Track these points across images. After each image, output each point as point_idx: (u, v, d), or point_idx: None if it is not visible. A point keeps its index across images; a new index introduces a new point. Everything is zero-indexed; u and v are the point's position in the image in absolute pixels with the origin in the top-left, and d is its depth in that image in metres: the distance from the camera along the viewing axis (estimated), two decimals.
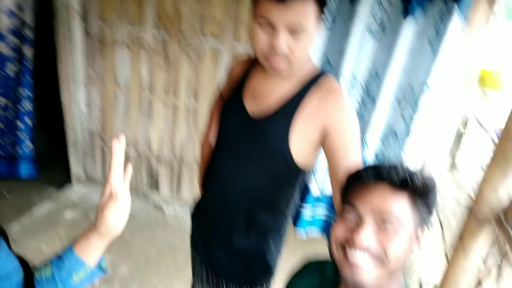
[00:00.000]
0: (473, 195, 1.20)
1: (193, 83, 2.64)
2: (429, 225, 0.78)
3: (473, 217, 1.19)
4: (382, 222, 0.72)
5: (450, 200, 5.01)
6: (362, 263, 0.73)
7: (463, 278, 1.22)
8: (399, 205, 0.72)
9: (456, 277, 1.23)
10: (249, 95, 1.14)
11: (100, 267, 0.81)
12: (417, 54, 2.05)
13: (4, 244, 0.73)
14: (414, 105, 2.09)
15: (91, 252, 0.77)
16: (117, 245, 2.54)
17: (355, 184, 0.79)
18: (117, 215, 0.76)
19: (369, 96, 2.21)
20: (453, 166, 6.15)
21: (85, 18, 2.60)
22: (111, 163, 0.76)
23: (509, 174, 1.12)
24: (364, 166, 0.80)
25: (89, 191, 3.12)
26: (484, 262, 1.24)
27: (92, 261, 0.77)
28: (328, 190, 2.44)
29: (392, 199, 0.72)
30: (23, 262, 0.77)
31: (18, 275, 0.73)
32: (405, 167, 0.75)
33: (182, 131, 2.80)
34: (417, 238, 0.76)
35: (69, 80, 2.77)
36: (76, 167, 3.07)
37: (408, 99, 2.12)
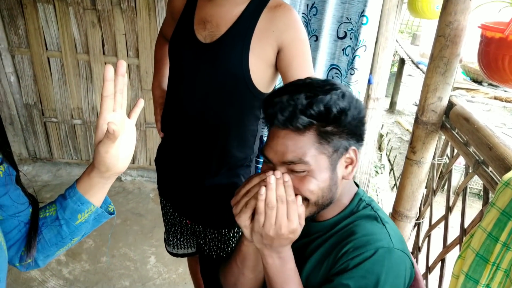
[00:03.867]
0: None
1: (132, 39, 2.49)
2: (360, 141, 0.77)
3: (420, 126, 1.25)
4: (292, 170, 0.72)
5: (395, 139, 5.31)
6: None
7: (417, 183, 1.30)
8: (304, 150, 0.71)
9: (411, 185, 1.31)
10: (198, 24, 1.09)
11: (106, 208, 0.76)
12: None
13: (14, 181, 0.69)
14: (355, 39, 2.11)
15: (95, 191, 0.70)
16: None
17: (268, 124, 0.78)
18: (116, 153, 0.65)
19: (311, 35, 2.20)
20: (392, 106, 6.48)
21: None
22: (102, 91, 0.63)
23: (448, 78, 1.17)
24: (266, 109, 0.76)
25: (36, 170, 2.94)
26: (435, 167, 1.33)
27: (97, 200, 0.71)
28: None
29: (296, 146, 0.72)
30: (31, 199, 0.73)
31: (26, 211, 0.70)
32: (304, 104, 0.70)
33: (127, 93, 2.66)
34: (349, 160, 0.77)
35: None
36: (17, 146, 2.86)
37: (348, 33, 2.13)
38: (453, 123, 1.15)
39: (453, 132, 1.16)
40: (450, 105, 1.20)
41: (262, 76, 1.09)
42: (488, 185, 0.94)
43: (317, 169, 0.72)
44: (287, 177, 0.70)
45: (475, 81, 3.99)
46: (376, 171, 3.58)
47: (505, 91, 3.79)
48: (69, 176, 2.93)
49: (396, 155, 4.59)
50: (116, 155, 0.65)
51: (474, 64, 3.85)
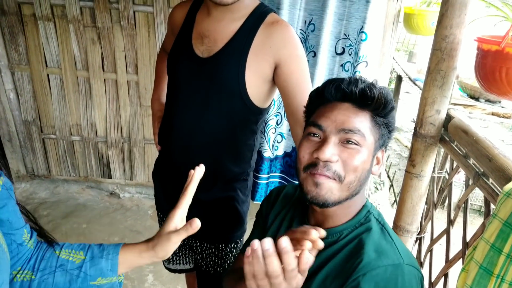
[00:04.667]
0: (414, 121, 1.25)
1: (131, 55, 2.51)
2: (386, 148, 0.83)
3: (419, 139, 1.25)
4: (345, 141, 0.75)
5: (393, 156, 5.31)
6: (324, 180, 0.75)
7: (417, 197, 1.29)
8: (361, 125, 0.76)
9: (411, 198, 1.30)
10: (196, 39, 1.10)
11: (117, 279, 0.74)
12: (350, 2, 2.08)
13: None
14: (355, 55, 2.13)
15: (130, 266, 0.72)
16: (75, 237, 2.43)
17: (319, 104, 0.82)
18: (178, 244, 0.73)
19: (309, 51, 2.23)
20: None
21: None
22: (185, 188, 0.77)
23: (446, 91, 1.18)
24: (326, 83, 0.82)
25: (33, 187, 2.92)
26: (435, 180, 1.32)
27: (120, 272, 0.72)
28: (280, 151, 2.46)
29: (355, 117, 0.76)
30: (31, 221, 0.71)
31: (21, 231, 0.67)
32: (374, 85, 0.78)
33: (126, 109, 2.68)
34: (377, 159, 0.81)
35: None
36: (14, 163, 2.85)
37: (347, 49, 2.16)
38: (451, 136, 1.15)
39: (452, 144, 1.16)
40: (448, 118, 1.19)
41: (258, 91, 1.09)
42: (489, 197, 0.93)
43: (366, 147, 0.76)
44: (284, 243, 0.62)
45: (472, 97, 4.03)
46: (376, 187, 3.56)
47: (502, 107, 3.82)
48: (67, 193, 2.90)
49: (395, 172, 4.57)
50: (176, 246, 0.73)
51: (471, 81, 3.88)
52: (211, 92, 1.07)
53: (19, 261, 0.67)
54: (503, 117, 3.37)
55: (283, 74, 1.06)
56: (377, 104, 0.77)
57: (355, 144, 0.75)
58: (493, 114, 3.50)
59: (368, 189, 2.36)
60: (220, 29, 1.07)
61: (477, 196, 3.36)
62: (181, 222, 0.74)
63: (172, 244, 0.71)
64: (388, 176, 4.45)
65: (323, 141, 0.77)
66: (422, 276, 0.77)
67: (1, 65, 2.54)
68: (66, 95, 2.63)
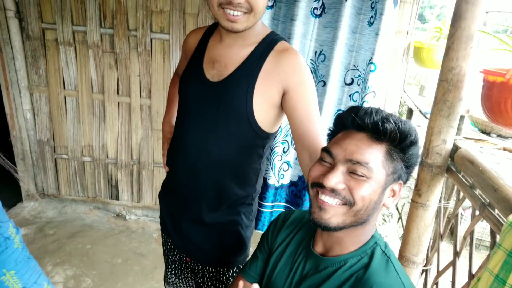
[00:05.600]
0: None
1: (145, 80, 2.59)
2: (406, 181, 0.82)
3: (425, 168, 1.25)
4: (353, 171, 0.76)
5: (403, 188, 5.25)
6: (327, 203, 0.77)
7: (423, 227, 1.27)
8: (372, 157, 0.75)
9: (417, 228, 1.28)
10: (207, 63, 1.14)
11: None
12: (360, 35, 2.13)
13: None
14: (363, 85, 2.17)
15: None
16: (79, 257, 2.42)
17: (340, 130, 0.84)
18: None
19: (319, 80, 2.27)
20: None
21: (23, 19, 2.48)
22: None
23: (452, 121, 1.19)
24: (348, 110, 0.83)
25: (42, 207, 2.95)
26: (442, 211, 1.30)
27: None
28: (286, 180, 2.46)
29: (366, 150, 0.76)
30: None
31: (8, 223, 0.64)
32: (389, 119, 0.76)
33: (138, 132, 2.73)
34: (393, 191, 0.80)
35: (11, 87, 2.62)
36: (26, 181, 2.90)
37: (356, 80, 2.20)
38: (458, 166, 1.15)
39: (459, 175, 1.16)
40: (455, 148, 1.20)
41: (266, 116, 1.11)
42: (494, 227, 0.91)
43: (375, 180, 0.75)
44: None
45: (483, 132, 3.99)
46: (384, 220, 3.50)
47: None
48: (74, 213, 2.92)
49: (404, 204, 4.50)
50: None
51: (482, 115, 3.87)
52: (219, 115, 1.10)
53: (8, 260, 0.65)
54: None
55: (291, 101, 1.07)
56: (391, 138, 0.76)
57: (362, 175, 0.75)
58: (504, 149, 3.45)
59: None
60: (231, 54, 1.11)
61: (487, 231, 3.27)
62: None
63: None
64: (397, 208, 4.38)
65: (331, 168, 0.78)
66: None
67: (21, 87, 2.64)
68: (81, 116, 2.71)
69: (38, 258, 2.36)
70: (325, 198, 0.78)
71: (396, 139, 0.76)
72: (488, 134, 3.99)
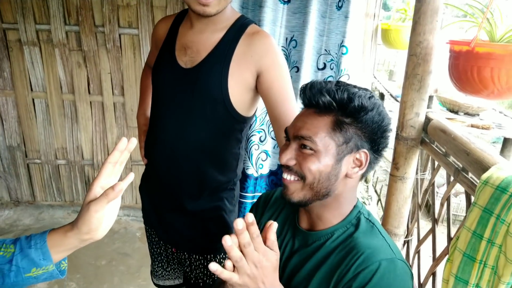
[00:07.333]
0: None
1: (117, 77, 2.54)
2: (376, 150, 0.80)
3: (401, 142, 1.28)
4: (302, 146, 0.79)
5: (380, 171, 5.38)
6: (287, 179, 0.82)
7: (402, 199, 1.31)
8: (317, 130, 0.77)
9: (397, 201, 1.32)
10: (179, 50, 1.13)
11: (59, 265, 0.70)
12: (329, 19, 2.16)
13: None
14: (337, 69, 2.20)
15: (62, 251, 0.67)
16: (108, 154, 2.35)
17: None
18: (102, 217, 0.65)
19: (292, 66, 2.28)
20: None
21: None
22: (109, 154, 0.68)
23: (423, 94, 1.23)
24: (301, 88, 0.84)
25: (17, 214, 2.85)
26: (419, 182, 1.35)
27: (57, 259, 0.67)
28: (265, 170, 2.47)
29: (312, 124, 0.78)
30: None
31: None
32: (323, 91, 0.77)
33: (113, 131, 2.68)
34: (358, 161, 0.80)
35: None
36: None
37: (328, 64, 2.22)
38: (431, 137, 1.19)
39: (432, 145, 1.20)
40: (428, 120, 1.24)
41: (241, 99, 1.11)
42: (469, 190, 0.95)
43: (323, 152, 0.76)
44: (250, 218, 0.67)
45: (451, 111, 4.14)
46: (364, 202, 3.59)
47: (481, 119, 3.92)
48: (52, 218, 2.84)
49: (382, 186, 4.62)
50: (101, 219, 0.65)
51: (449, 95, 4.00)
52: (194, 102, 1.09)
53: None
54: (482, 128, 3.46)
55: (265, 82, 1.09)
56: (329, 109, 0.77)
57: (309, 149, 0.77)
58: (472, 126, 3.59)
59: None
60: (203, 40, 1.10)
61: (463, 207, 3.41)
62: (101, 191, 0.66)
63: (93, 214, 0.64)
64: (376, 191, 4.49)
65: (287, 146, 0.82)
66: (412, 273, 0.78)
67: None
68: (52, 118, 2.63)
69: None
70: (284, 175, 0.82)
71: (335, 109, 0.77)
72: (456, 112, 4.14)
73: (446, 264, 0.85)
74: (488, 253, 0.73)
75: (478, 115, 4.04)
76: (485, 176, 0.78)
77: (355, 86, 0.80)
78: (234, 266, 0.68)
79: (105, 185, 0.68)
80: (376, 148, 0.81)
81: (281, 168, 0.83)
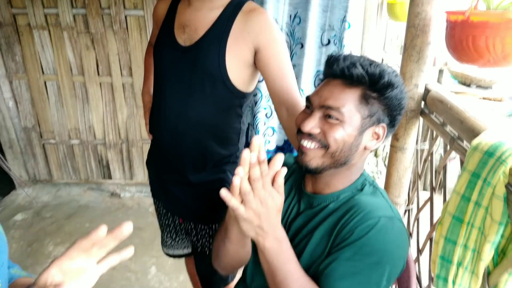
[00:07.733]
0: None
1: (125, 58, 2.58)
2: (391, 125, 0.85)
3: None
4: (327, 115, 0.81)
5: (388, 145, 5.37)
6: (307, 147, 0.83)
7: (402, 169, 1.34)
8: (345, 102, 0.80)
9: (397, 171, 1.36)
10: (178, 29, 1.16)
11: None
12: None
13: None
14: (339, 44, 2.19)
15: None
16: (79, 236, 2.46)
17: (324, 79, 0.89)
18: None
19: (297, 43, 2.29)
20: None
21: None
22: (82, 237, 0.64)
23: (422, 65, 1.24)
24: (330, 58, 0.86)
25: (36, 192, 2.98)
26: (419, 152, 1.38)
27: None
28: (272, 145, 2.51)
29: (339, 95, 0.81)
30: None
31: None
32: (357, 64, 0.80)
33: (123, 111, 2.74)
34: (376, 134, 0.84)
35: None
36: (16, 169, 2.91)
37: (332, 40, 2.22)
38: (430, 107, 1.21)
39: (431, 116, 1.22)
40: (427, 91, 1.25)
41: (240, 76, 1.14)
42: (463, 157, 0.98)
43: (348, 123, 0.80)
44: (262, 155, 0.71)
45: (463, 84, 4.08)
46: (373, 176, 3.62)
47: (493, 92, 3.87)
48: (69, 196, 2.96)
49: None
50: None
51: (461, 68, 3.95)
52: (194, 78, 1.13)
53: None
54: (494, 100, 3.41)
55: (263, 58, 1.11)
56: (361, 82, 0.80)
57: (335, 119, 0.80)
58: (484, 99, 3.54)
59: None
60: (200, 18, 1.13)
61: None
62: (59, 276, 0.61)
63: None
64: (385, 165, 4.51)
65: (309, 114, 0.84)
66: (408, 236, 0.83)
67: (0, 76, 2.61)
68: (64, 100, 2.70)
69: (39, 240, 2.41)
70: (303, 142, 0.84)
71: (366, 83, 0.80)
72: (468, 85, 4.08)
73: (437, 226, 0.89)
74: (475, 215, 0.77)
75: (490, 87, 3.98)
76: (475, 142, 0.81)
77: (389, 66, 0.83)
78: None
79: (67, 270, 0.62)
80: (393, 124, 0.86)
81: (300, 134, 0.85)
